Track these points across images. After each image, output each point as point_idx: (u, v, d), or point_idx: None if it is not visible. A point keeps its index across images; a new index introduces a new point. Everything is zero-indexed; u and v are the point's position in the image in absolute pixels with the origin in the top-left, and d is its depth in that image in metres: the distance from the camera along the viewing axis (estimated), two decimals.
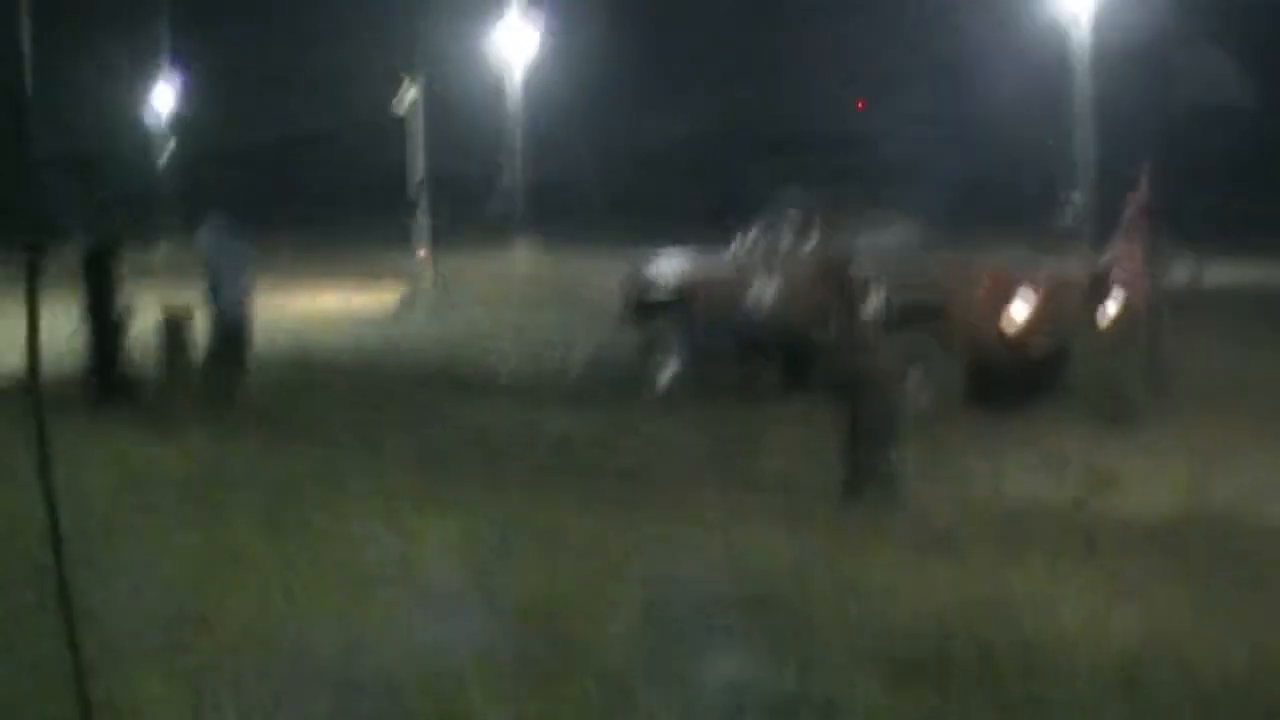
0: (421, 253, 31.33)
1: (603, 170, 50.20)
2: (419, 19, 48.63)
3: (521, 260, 43.34)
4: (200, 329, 16.51)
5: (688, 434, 14.11)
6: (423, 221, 31.64)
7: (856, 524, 9.94)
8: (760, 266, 17.60)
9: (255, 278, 16.78)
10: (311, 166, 59.61)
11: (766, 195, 18.63)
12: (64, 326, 14.66)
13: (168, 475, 10.33)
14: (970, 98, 48.00)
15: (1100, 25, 37.07)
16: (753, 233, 17.85)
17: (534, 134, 50.41)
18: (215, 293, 16.33)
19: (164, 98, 63.98)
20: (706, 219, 23.95)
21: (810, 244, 17.44)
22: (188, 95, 63.61)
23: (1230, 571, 8.93)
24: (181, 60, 63.15)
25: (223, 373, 16.14)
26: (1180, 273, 28.86)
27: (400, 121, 31.65)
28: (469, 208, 36.64)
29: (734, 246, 18.02)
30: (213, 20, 61.64)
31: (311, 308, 31.21)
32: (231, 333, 16.25)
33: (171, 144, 63.26)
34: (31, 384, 5.00)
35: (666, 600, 7.37)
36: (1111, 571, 8.77)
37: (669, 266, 19.08)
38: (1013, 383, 16.38)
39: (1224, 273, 29.95)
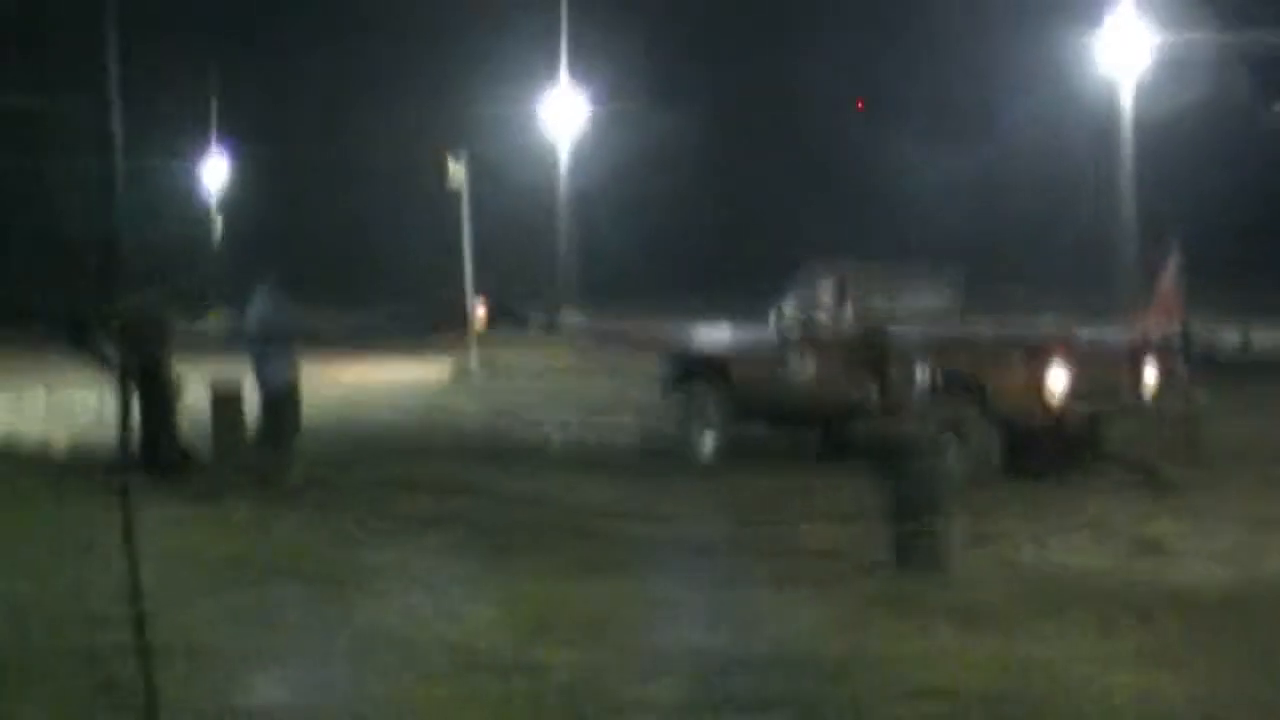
0: (473, 321, 31.40)
1: (649, 240, 50.35)
2: (467, 92, 49.26)
3: (570, 328, 43.47)
4: (250, 402, 16.44)
5: (730, 503, 13.98)
6: (472, 297, 31.73)
7: (901, 592, 9.79)
8: (797, 334, 17.52)
9: (299, 351, 16.60)
10: (363, 240, 59.90)
11: (810, 259, 18.53)
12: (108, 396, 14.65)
13: (220, 556, 10.33)
14: (1015, 161, 48.02)
15: (1144, 89, 37.12)
16: (789, 301, 17.77)
17: (582, 203, 50.79)
18: (260, 366, 16.21)
19: (214, 173, 64.61)
20: (749, 285, 23.84)
21: (847, 312, 17.36)
22: (238, 171, 64.27)
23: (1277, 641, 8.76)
24: (231, 136, 63.83)
25: (271, 446, 16.02)
26: (1226, 338, 28.87)
27: (451, 195, 31.77)
28: (522, 278, 36.78)
29: (771, 315, 17.94)
30: (263, 96, 62.24)
31: (364, 380, 31.29)
32: (277, 406, 16.11)
33: (219, 221, 63.86)
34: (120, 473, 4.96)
35: (711, 667, 7.33)
36: (1158, 640, 8.62)
37: (708, 337, 19.04)
38: (1052, 450, 16.24)
39: (1273, 336, 29.89)
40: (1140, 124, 36.96)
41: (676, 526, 11.00)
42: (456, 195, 31.69)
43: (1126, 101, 37.11)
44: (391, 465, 17.02)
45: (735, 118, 56.71)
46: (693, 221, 53.89)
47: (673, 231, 51.99)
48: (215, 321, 43.49)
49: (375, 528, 11.64)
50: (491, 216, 35.28)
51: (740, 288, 25.67)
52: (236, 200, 64.34)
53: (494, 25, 52.53)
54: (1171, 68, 37.05)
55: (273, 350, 16.09)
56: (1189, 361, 16.93)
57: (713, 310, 21.23)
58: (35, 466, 12.29)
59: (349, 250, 59.06)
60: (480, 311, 32.36)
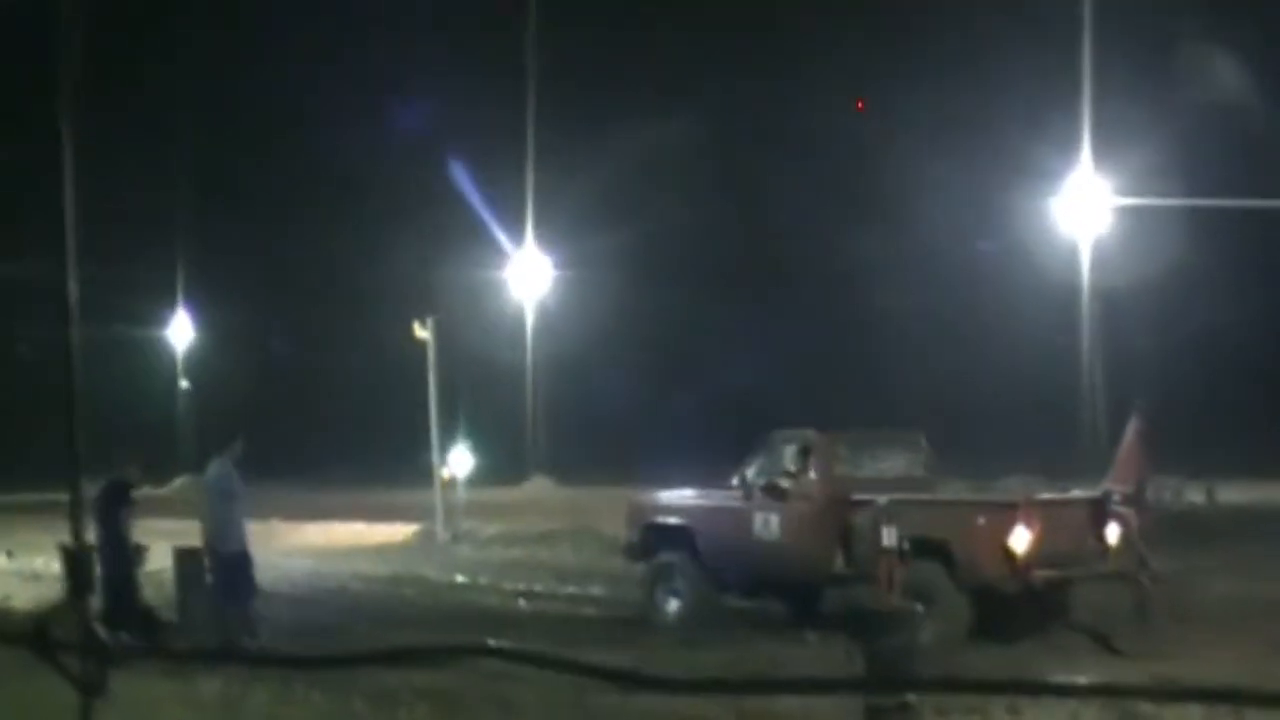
0: (440, 483, 31.23)
1: (619, 400, 50.42)
2: (439, 257, 49.66)
3: (536, 492, 43.39)
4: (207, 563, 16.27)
5: (698, 672, 13.80)
6: (438, 459, 31.63)
7: None
8: (764, 498, 17.47)
9: (249, 517, 16.44)
10: (331, 395, 59.85)
11: (776, 426, 18.53)
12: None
13: None
14: (980, 324, 48.46)
15: (1103, 254, 37.74)
16: (755, 464, 17.74)
17: (550, 362, 51.02)
18: (213, 531, 16.09)
19: (180, 337, 64.49)
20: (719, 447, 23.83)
21: (812, 478, 17.34)
22: (205, 336, 64.21)
23: None
24: (197, 301, 63.91)
25: (231, 611, 15.85)
26: (1187, 496, 29.06)
27: (421, 349, 31.85)
28: (487, 437, 36.69)
29: (736, 478, 17.90)
30: (231, 262, 62.46)
31: (329, 540, 31.06)
32: (231, 571, 15.96)
33: (185, 384, 63.71)
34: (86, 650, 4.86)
35: None
36: None
37: (673, 500, 18.96)
38: (1020, 612, 16.19)
39: (1234, 492, 30.10)
40: (1102, 285, 37.54)
41: (650, 698, 10.81)
42: (425, 356, 31.77)
43: (1085, 265, 37.71)
44: (361, 636, 16.82)
45: (695, 283, 57.21)
46: (671, 387, 54.12)
47: (643, 395, 52.08)
48: (182, 483, 43.19)
49: (345, 704, 11.44)
50: (465, 380, 35.37)
51: (706, 450, 25.61)
52: (203, 363, 64.27)
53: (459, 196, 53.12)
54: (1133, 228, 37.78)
55: (225, 516, 16.02)
56: (1144, 522, 16.97)
57: (679, 474, 21.11)
58: None
59: (320, 411, 58.99)
60: (448, 472, 32.19)
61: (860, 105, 54.99)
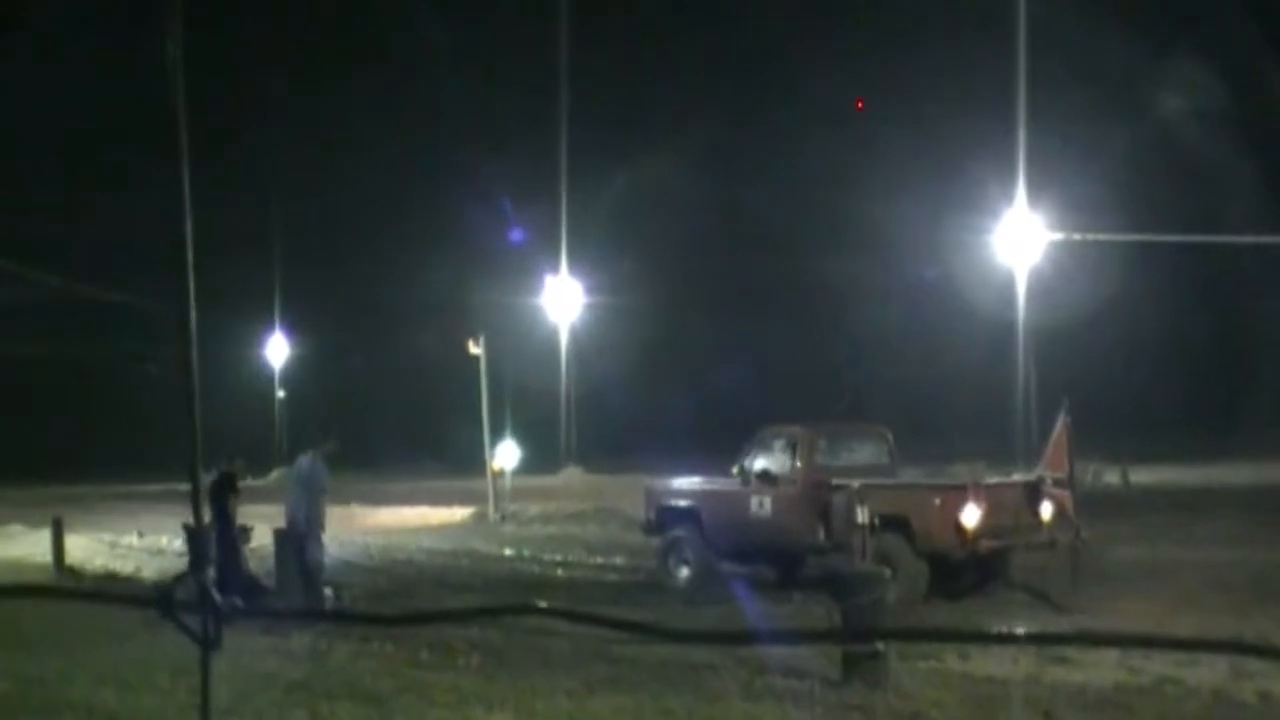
0: (490, 473, 31.21)
1: (635, 403, 50.47)
2: (484, 284, 49.73)
3: (569, 480, 43.39)
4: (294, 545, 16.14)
5: (705, 626, 13.75)
6: (489, 453, 31.62)
7: (850, 703, 9.62)
8: (758, 483, 17.43)
9: (324, 506, 16.19)
10: (398, 401, 59.89)
11: (767, 422, 18.49)
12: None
13: (287, 681, 10.16)
14: (933, 336, 48.38)
15: (1041, 281, 37.52)
16: (750, 454, 17.72)
17: (580, 371, 50.97)
18: (293, 518, 15.93)
19: (277, 353, 64.69)
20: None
21: (796, 463, 17.31)
22: (295, 346, 64.34)
23: None
24: (289, 315, 64.00)
25: (306, 584, 15.74)
26: (1105, 478, 28.94)
27: (475, 362, 31.87)
28: (529, 435, 36.70)
29: (734, 469, 17.87)
30: (315, 280, 62.56)
31: (399, 521, 31.07)
32: (305, 552, 15.80)
33: (281, 394, 63.85)
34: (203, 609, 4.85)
35: None
36: None
37: (682, 485, 18.94)
38: (968, 576, 16.14)
39: (1144, 475, 30.06)
40: (1039, 308, 37.35)
41: (664, 649, 10.79)
42: (477, 367, 31.80)
43: (1021, 290, 37.51)
44: (425, 598, 16.79)
45: (698, 300, 57.28)
46: (676, 390, 54.15)
47: (660, 399, 52.15)
48: (275, 477, 43.31)
49: (413, 655, 11.43)
50: (510, 387, 35.39)
51: (712, 447, 25.59)
52: (295, 375, 64.43)
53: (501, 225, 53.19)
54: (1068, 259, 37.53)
55: (308, 504, 15.86)
56: (1075, 500, 16.87)
57: (691, 464, 21.08)
58: (129, 600, 12.12)
59: (390, 414, 59.01)
60: (497, 464, 32.15)
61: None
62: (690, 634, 5.00)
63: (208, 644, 5.12)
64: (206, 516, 15.73)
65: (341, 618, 13.83)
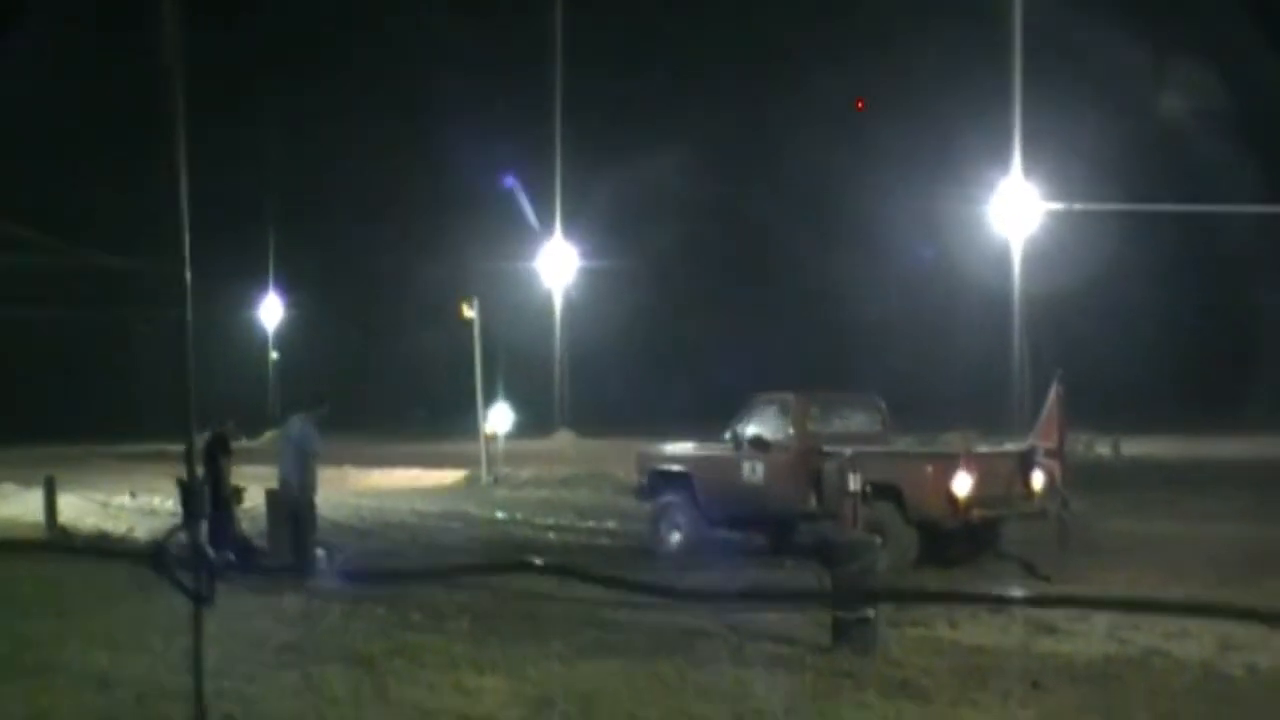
0: (483, 436, 31.24)
1: (636, 369, 50.59)
2: (478, 246, 49.67)
3: (561, 444, 43.43)
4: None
5: (699, 594, 13.77)
6: (482, 416, 31.64)
7: (839, 669, 9.65)
8: (750, 450, 17.44)
9: (316, 469, 16.16)
10: (391, 361, 59.91)
11: (760, 388, 18.49)
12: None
13: (278, 642, 10.20)
14: (928, 314, 48.47)
15: (1035, 252, 37.55)
16: (742, 422, 17.71)
17: (575, 336, 51.00)
18: (286, 480, 15.89)
19: (270, 315, 64.58)
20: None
21: (789, 432, 17.32)
22: (291, 314, 64.32)
23: (1151, 702, 8.70)
24: (283, 277, 63.91)
25: (297, 547, 15.71)
26: (1097, 449, 28.97)
27: (468, 326, 31.84)
28: (522, 398, 36.75)
29: (727, 435, 17.87)
30: (312, 251, 62.49)
31: (391, 483, 31.12)
32: (297, 511, 15.79)
33: (275, 355, 63.85)
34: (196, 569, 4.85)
35: None
36: (1058, 706, 8.53)
37: (675, 451, 18.94)
38: (959, 545, 16.18)
39: (1136, 447, 30.14)
40: (1033, 280, 37.36)
41: (655, 615, 10.81)
42: (471, 331, 31.77)
43: (1016, 262, 37.51)
44: (416, 560, 16.81)
45: (696, 266, 57.27)
46: (670, 356, 54.21)
47: (654, 364, 52.24)
48: (271, 436, 43.31)
49: (403, 618, 11.45)
50: (503, 351, 35.37)
51: (704, 411, 25.60)
52: (288, 337, 64.37)
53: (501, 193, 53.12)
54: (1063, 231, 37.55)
55: (301, 467, 15.82)
56: (1066, 471, 16.92)
57: (685, 431, 21.10)
58: (122, 559, 12.14)
59: (384, 376, 59.05)
60: (490, 428, 32.16)
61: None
62: (680, 592, 5.02)
63: (200, 600, 5.13)
64: (200, 473, 15.77)
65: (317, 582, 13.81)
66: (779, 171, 55.81)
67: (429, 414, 41.43)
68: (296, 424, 16.12)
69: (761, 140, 57.57)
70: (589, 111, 52.70)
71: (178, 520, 15.95)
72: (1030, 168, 37.64)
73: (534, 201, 51.00)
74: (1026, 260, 37.68)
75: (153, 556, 4.77)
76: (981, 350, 41.41)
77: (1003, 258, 38.09)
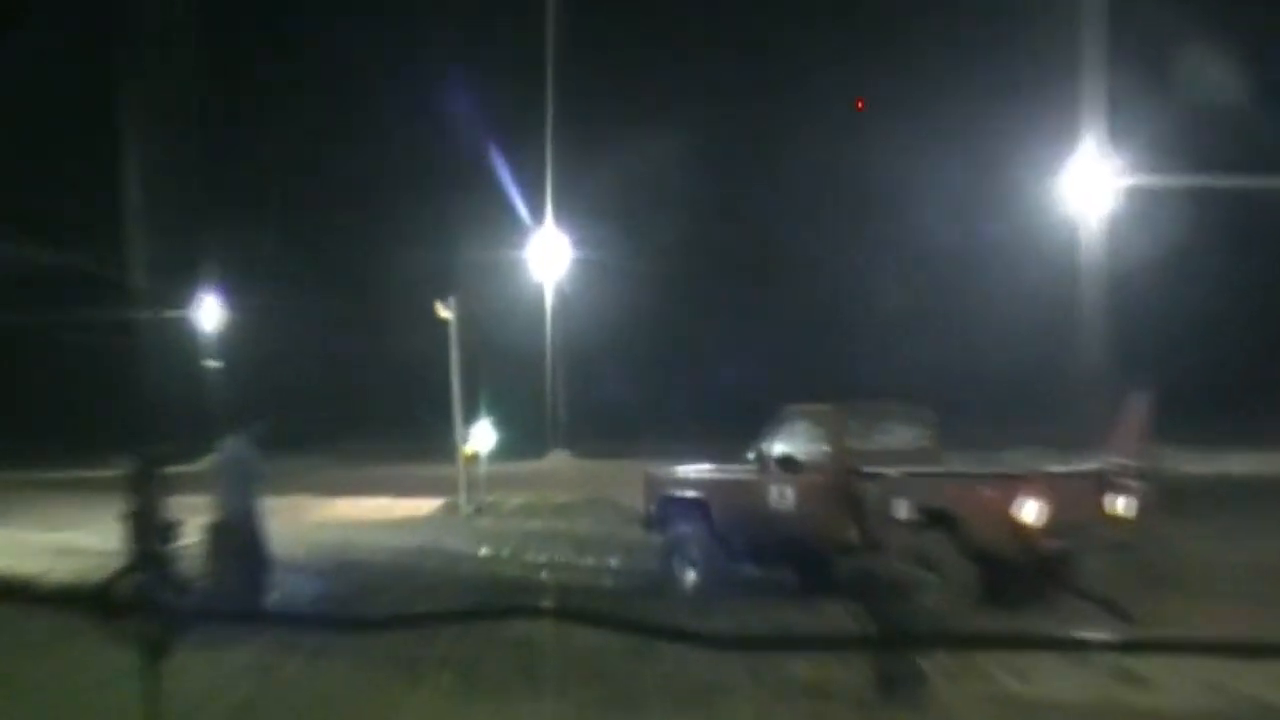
0: (462, 458, 31.27)
1: (643, 378, 50.59)
2: (462, 240, 49.69)
3: (555, 465, 43.43)
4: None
5: (714, 639, 13.78)
6: (460, 435, 31.66)
7: None
8: (778, 471, 17.45)
9: (260, 493, 16.31)
10: (356, 372, 59.91)
11: (788, 399, 18.49)
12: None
13: (228, 704, 10.20)
14: (983, 295, 48.37)
15: (1109, 230, 37.58)
16: (767, 440, 17.71)
17: (568, 340, 51.02)
18: (230, 510, 16.02)
19: (208, 313, 64.42)
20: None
21: (823, 448, 17.33)
22: (232, 307, 64.13)
23: None
24: (225, 271, 63.80)
25: (248, 584, 15.79)
26: (1184, 466, 28.92)
27: (444, 328, 31.88)
28: (508, 413, 36.76)
29: (750, 454, 17.88)
30: (256, 231, 62.48)
31: (356, 514, 31.13)
32: (244, 543, 15.90)
33: (214, 363, 63.77)
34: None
35: None
36: None
37: (689, 474, 18.95)
38: (1026, 581, 16.15)
39: (1233, 463, 30.07)
40: (1109, 263, 37.39)
41: (668, 666, 10.81)
42: (447, 334, 31.81)
43: (1090, 241, 37.56)
44: (384, 606, 16.81)
45: (702, 259, 57.31)
46: (681, 363, 54.22)
47: (663, 373, 52.23)
48: (211, 459, 43.36)
49: (374, 672, 11.45)
50: (487, 357, 35.39)
51: (721, 426, 25.58)
52: (233, 343, 64.33)
53: (486, 174, 53.18)
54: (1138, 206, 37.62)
55: (242, 492, 15.95)
56: (1153, 493, 16.91)
57: (695, 448, 21.12)
58: (43, 607, 12.10)
59: (346, 389, 59.06)
60: (471, 448, 32.16)
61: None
62: (701, 636, 5.00)
63: (159, 651, 5.11)
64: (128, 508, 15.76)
65: (298, 622, 13.85)
66: (794, 154, 55.94)
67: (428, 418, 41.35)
68: (233, 446, 16.27)
69: (776, 121, 57.66)
70: (584, 85, 52.79)
71: (122, 558, 15.96)
72: (1106, 138, 37.82)
73: (522, 186, 51.15)
74: (1099, 242, 37.73)
75: (95, 600, 4.80)
76: (1046, 339, 41.40)
77: (1069, 243, 38.15)
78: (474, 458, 31.87)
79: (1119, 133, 38.28)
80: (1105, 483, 16.45)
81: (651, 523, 18.95)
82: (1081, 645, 7.91)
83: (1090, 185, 37.87)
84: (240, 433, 16.40)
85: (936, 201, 48.35)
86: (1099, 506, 16.37)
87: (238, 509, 15.88)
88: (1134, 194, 37.76)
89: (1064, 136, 38.59)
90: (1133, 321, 38.16)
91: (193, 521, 16.73)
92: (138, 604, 5.02)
